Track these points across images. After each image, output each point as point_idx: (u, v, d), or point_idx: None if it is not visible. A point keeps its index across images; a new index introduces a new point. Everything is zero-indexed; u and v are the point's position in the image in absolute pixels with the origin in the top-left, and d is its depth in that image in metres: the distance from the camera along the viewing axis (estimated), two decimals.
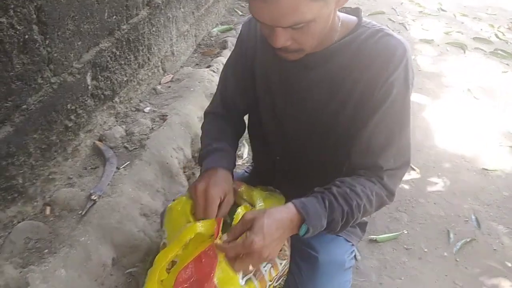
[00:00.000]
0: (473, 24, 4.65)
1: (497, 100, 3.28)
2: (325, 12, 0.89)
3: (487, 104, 3.22)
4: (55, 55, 1.42)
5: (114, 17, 1.79)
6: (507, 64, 3.81)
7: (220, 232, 0.93)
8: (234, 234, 0.93)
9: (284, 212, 0.93)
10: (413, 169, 2.45)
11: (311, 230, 0.94)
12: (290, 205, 0.95)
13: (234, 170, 1.19)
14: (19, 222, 1.37)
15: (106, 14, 1.72)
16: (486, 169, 2.52)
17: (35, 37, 1.31)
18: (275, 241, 0.91)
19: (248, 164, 1.73)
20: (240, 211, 1.01)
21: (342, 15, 1.06)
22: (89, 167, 1.69)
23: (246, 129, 1.37)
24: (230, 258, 0.91)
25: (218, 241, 0.91)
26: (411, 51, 1.04)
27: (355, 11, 1.10)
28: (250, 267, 0.92)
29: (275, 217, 0.91)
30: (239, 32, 1.24)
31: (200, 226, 0.94)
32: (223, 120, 1.28)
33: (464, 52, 3.98)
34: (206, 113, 1.33)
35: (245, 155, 2.35)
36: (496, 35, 4.39)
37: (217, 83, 2.42)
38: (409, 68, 1.02)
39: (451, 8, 5.02)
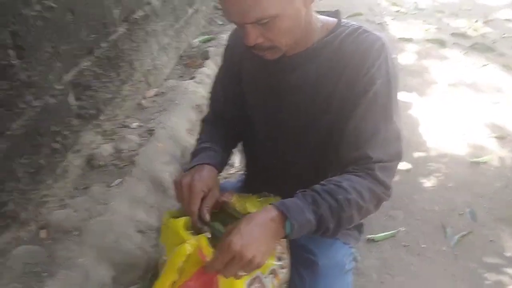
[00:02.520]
0: (450, 20, 4.73)
1: (480, 93, 3.33)
2: (290, 8, 0.93)
3: (471, 97, 3.26)
4: (35, 78, 1.41)
5: (93, 35, 1.78)
6: (487, 58, 3.88)
7: (210, 249, 0.91)
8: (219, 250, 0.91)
9: (262, 213, 0.92)
10: (406, 167, 2.46)
11: (296, 226, 0.91)
12: (268, 206, 0.94)
13: (227, 179, 1.19)
14: (15, 248, 1.35)
15: (84, 33, 1.70)
16: (477, 162, 2.54)
17: (13, 62, 1.30)
18: (257, 240, 0.87)
19: (241, 173, 1.72)
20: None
21: (322, 17, 1.10)
22: (81, 187, 1.67)
23: None
24: (219, 270, 0.88)
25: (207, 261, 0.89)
26: (389, 46, 1.06)
27: (335, 14, 1.13)
28: (240, 272, 0.88)
29: (253, 218, 0.90)
30: (227, 42, 1.28)
31: (189, 247, 0.92)
32: (215, 126, 1.31)
33: (444, 48, 4.04)
34: (201, 121, 1.37)
35: (236, 163, 2.34)
36: (474, 29, 4.46)
37: (202, 94, 2.45)
38: (389, 60, 1.04)
39: (427, 5, 5.11)
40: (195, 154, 1.19)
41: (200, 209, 1.02)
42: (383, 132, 1.03)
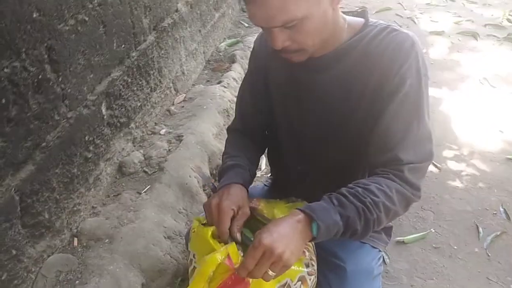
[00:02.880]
0: (483, 10, 4.57)
1: None
2: (317, 9, 0.92)
3: (505, 91, 3.15)
4: (69, 90, 1.46)
5: (123, 45, 1.83)
6: None
7: (240, 256, 0.93)
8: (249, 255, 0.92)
9: (288, 216, 0.94)
10: (435, 165, 2.41)
11: (322, 227, 0.91)
12: (294, 210, 0.96)
13: (253, 183, 1.20)
14: (49, 256, 1.41)
15: (115, 44, 1.76)
16: (510, 158, 2.46)
17: (48, 76, 1.35)
18: (285, 237, 0.89)
19: (267, 177, 1.73)
20: None
21: (349, 18, 1.09)
22: (112, 195, 1.73)
23: None
24: (250, 269, 0.89)
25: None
26: (420, 43, 1.05)
27: (362, 14, 1.12)
28: (270, 272, 0.89)
29: (281, 220, 0.93)
30: (252, 47, 1.28)
31: (219, 257, 0.94)
32: (242, 136, 1.31)
33: (477, 40, 3.92)
34: (228, 130, 1.38)
35: (263, 166, 2.36)
36: (508, 19, 4.30)
37: (228, 99, 2.48)
38: (420, 59, 1.03)
39: None
40: (222, 173, 1.19)
41: (230, 229, 1.02)
42: (415, 133, 1.02)
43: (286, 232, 0.90)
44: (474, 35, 3.97)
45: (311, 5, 0.90)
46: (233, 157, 1.22)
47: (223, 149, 2.05)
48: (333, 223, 0.92)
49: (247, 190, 1.15)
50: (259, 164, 2.37)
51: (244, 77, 1.33)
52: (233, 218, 1.04)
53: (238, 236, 1.01)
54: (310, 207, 0.94)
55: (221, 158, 2.07)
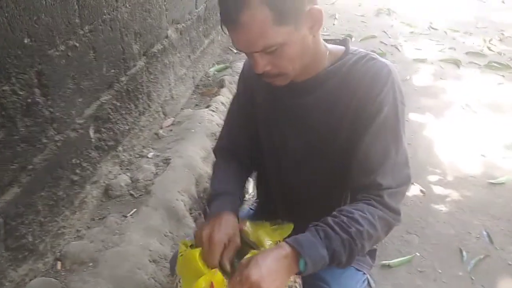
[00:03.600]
0: (464, 39, 4.72)
1: (497, 112, 3.30)
2: (296, 36, 0.96)
3: (486, 117, 3.23)
4: (57, 114, 1.48)
5: (113, 70, 1.86)
6: (503, 76, 3.85)
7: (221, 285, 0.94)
8: (233, 283, 0.93)
9: (276, 249, 0.94)
10: (420, 189, 2.45)
11: (309, 263, 0.93)
12: (281, 243, 0.96)
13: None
14: (31, 280, 1.39)
15: (104, 69, 1.79)
16: (493, 183, 2.51)
17: (37, 99, 1.37)
18: (273, 274, 0.90)
19: (254, 200, 1.74)
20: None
21: (330, 45, 1.13)
22: (97, 218, 1.72)
23: None
24: None
25: None
26: (396, 72, 1.09)
27: (343, 42, 1.17)
28: None
29: (268, 253, 0.93)
30: (241, 69, 1.31)
31: (204, 284, 0.94)
32: (230, 157, 1.31)
33: (459, 67, 4.03)
34: (215, 150, 1.38)
35: (250, 190, 2.37)
36: (488, 48, 4.45)
37: (217, 122, 2.50)
38: (396, 87, 1.07)
39: (441, 25, 5.11)
40: (212, 199, 1.19)
41: (221, 262, 1.02)
42: (393, 157, 1.06)
43: (274, 268, 0.91)
44: (457, 63, 4.09)
45: (290, 31, 0.94)
46: (221, 182, 1.23)
47: (211, 172, 2.07)
48: (320, 258, 0.94)
49: (238, 218, 1.15)
50: (247, 187, 2.38)
51: (233, 98, 1.36)
52: (223, 249, 1.04)
53: (228, 267, 1.01)
54: (298, 242, 0.95)
55: (208, 182, 2.10)
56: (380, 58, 1.10)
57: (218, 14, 0.97)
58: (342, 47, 1.14)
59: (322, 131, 1.14)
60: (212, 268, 1.01)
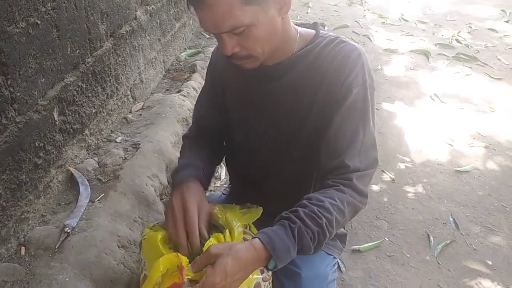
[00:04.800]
0: (434, 30, 4.82)
1: (464, 102, 3.39)
2: (264, 17, 0.95)
3: (454, 107, 3.32)
4: (18, 94, 1.41)
5: (78, 51, 1.78)
6: (470, 67, 3.96)
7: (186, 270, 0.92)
8: (198, 266, 0.91)
9: (250, 251, 0.91)
10: (389, 176, 2.49)
11: (279, 264, 0.93)
12: (256, 241, 0.93)
13: (212, 191, 1.19)
14: None
15: (69, 49, 1.71)
16: (459, 171, 2.58)
17: None
18: (237, 281, 0.90)
19: (226, 186, 1.73)
20: (211, 240, 1.00)
21: (300, 29, 1.13)
22: (63, 203, 1.66)
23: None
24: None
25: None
26: (366, 55, 1.10)
27: (313, 26, 1.17)
28: None
29: (240, 256, 0.89)
30: (210, 58, 1.30)
31: (161, 267, 0.92)
32: (197, 142, 1.30)
33: (428, 58, 4.11)
34: (183, 137, 1.37)
35: (222, 176, 2.35)
36: (457, 40, 4.55)
37: (188, 107, 2.46)
38: (366, 69, 1.08)
39: (412, 17, 5.20)
40: (175, 173, 1.18)
41: (200, 231, 1.01)
42: (361, 139, 1.06)
43: (241, 274, 0.90)
44: (426, 54, 4.17)
45: (257, 12, 0.93)
46: (187, 158, 1.23)
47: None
48: (290, 258, 0.95)
49: (205, 188, 1.15)
50: (219, 173, 2.36)
51: (202, 87, 1.35)
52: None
53: (206, 234, 1.01)
54: (272, 244, 0.92)
55: None
56: (350, 41, 1.10)
57: None
58: (313, 31, 1.15)
59: (292, 115, 1.14)
60: (192, 241, 0.99)
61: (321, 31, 1.14)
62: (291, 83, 1.12)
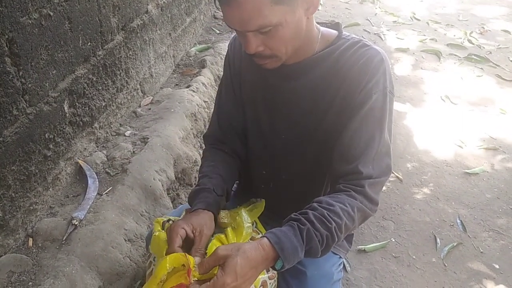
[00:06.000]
0: (446, 31, 4.77)
1: (474, 104, 3.35)
2: (292, 18, 0.93)
3: (464, 108, 3.29)
4: (30, 85, 1.41)
5: (89, 43, 1.79)
6: (481, 68, 3.91)
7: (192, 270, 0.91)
8: (206, 268, 0.91)
9: (258, 250, 0.90)
10: (397, 177, 2.48)
11: (286, 266, 0.92)
12: (265, 241, 0.92)
13: None
14: (1, 256, 1.34)
15: (80, 42, 1.71)
16: (468, 173, 2.56)
17: (8, 69, 1.30)
18: (247, 280, 0.89)
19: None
20: (213, 242, 0.99)
21: (323, 29, 1.11)
22: (71, 195, 1.67)
23: None
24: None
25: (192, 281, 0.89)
26: (388, 60, 1.08)
27: (336, 26, 1.14)
28: None
29: (249, 256, 0.89)
30: (226, 52, 1.27)
31: (168, 264, 0.91)
32: (220, 146, 1.27)
33: (439, 58, 4.07)
34: (205, 137, 1.34)
35: None
36: (469, 40, 4.51)
37: (197, 103, 2.46)
38: (387, 76, 1.06)
39: (424, 16, 5.15)
40: (191, 199, 1.14)
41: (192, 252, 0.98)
42: (376, 147, 1.05)
43: (251, 274, 0.89)
44: (437, 54, 4.13)
45: (286, 12, 0.91)
46: (206, 177, 1.18)
47: (190, 153, 2.04)
48: (298, 259, 0.94)
49: (214, 214, 1.10)
50: None
51: (221, 82, 1.31)
52: (188, 240, 1.00)
53: (197, 260, 0.96)
54: (281, 244, 0.91)
55: (187, 162, 2.07)
56: (373, 45, 1.08)
57: None
58: (335, 32, 1.12)
59: (308, 116, 1.13)
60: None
61: (344, 32, 1.12)
62: (309, 84, 1.10)
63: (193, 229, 1.01)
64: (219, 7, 0.93)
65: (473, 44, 4.43)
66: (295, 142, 1.18)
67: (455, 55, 4.15)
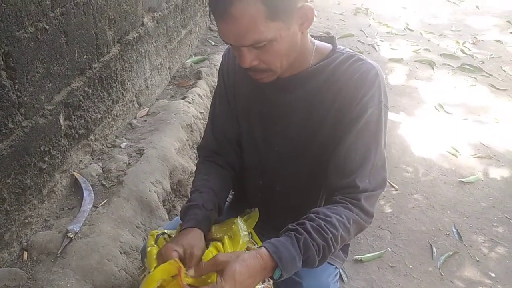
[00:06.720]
0: (439, 41, 4.82)
1: (468, 113, 3.38)
2: (286, 33, 0.94)
3: (458, 117, 3.31)
4: (25, 98, 1.42)
5: (85, 56, 1.80)
6: (475, 78, 3.95)
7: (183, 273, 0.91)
8: (202, 270, 0.91)
9: (257, 259, 0.91)
10: (392, 186, 2.48)
11: (285, 275, 0.93)
12: (263, 251, 0.92)
13: None
14: None
15: (76, 55, 1.73)
16: (463, 181, 2.57)
17: (4, 82, 1.30)
18: (251, 277, 0.89)
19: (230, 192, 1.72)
20: (210, 250, 0.99)
21: (317, 42, 1.11)
22: (66, 208, 1.66)
23: None
24: None
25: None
26: (383, 74, 1.09)
27: (330, 39, 1.15)
28: None
29: (248, 264, 0.89)
30: (220, 62, 1.27)
31: (158, 276, 0.91)
32: (214, 159, 1.27)
33: (433, 68, 4.11)
34: (199, 149, 1.33)
35: None
36: (462, 50, 4.56)
37: (193, 114, 2.47)
38: (382, 90, 1.06)
39: (417, 27, 5.21)
40: (185, 211, 1.13)
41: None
42: (372, 160, 1.05)
43: (249, 282, 0.89)
44: (431, 64, 4.17)
45: (280, 28, 0.92)
46: (196, 191, 1.17)
47: (186, 164, 2.04)
48: (295, 269, 0.94)
49: (204, 232, 1.09)
50: None
51: (215, 93, 1.31)
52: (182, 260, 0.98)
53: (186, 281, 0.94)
54: (279, 254, 0.92)
55: (183, 174, 2.07)
56: (368, 60, 1.09)
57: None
58: (329, 45, 1.13)
59: (302, 129, 1.13)
60: None
61: (338, 46, 1.12)
62: (304, 97, 1.10)
63: (183, 250, 1.00)
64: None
65: (466, 54, 4.48)
66: (290, 155, 1.18)
67: (449, 65, 4.19)
